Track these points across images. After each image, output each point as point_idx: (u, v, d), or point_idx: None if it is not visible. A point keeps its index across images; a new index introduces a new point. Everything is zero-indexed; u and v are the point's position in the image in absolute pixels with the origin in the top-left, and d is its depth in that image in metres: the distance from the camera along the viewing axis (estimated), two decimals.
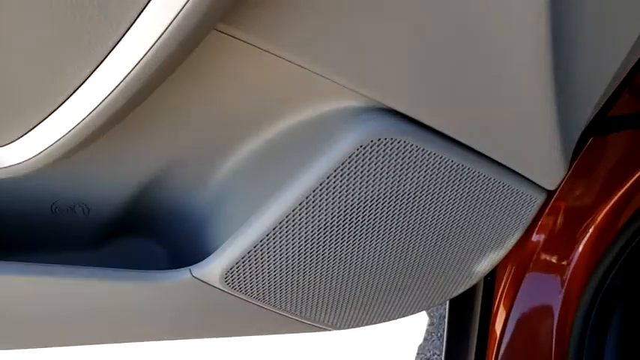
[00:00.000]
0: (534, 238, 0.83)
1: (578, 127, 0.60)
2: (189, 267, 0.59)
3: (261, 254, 0.57)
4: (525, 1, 0.46)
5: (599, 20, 0.54)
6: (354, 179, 0.55)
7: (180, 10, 0.38)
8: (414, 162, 0.56)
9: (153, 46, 0.39)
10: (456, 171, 0.58)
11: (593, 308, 0.86)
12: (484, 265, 0.72)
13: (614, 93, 0.72)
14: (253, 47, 0.48)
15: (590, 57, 0.56)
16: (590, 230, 0.84)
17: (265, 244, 0.57)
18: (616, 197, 0.79)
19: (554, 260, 0.87)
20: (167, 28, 0.38)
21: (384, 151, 0.54)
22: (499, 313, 0.87)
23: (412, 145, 0.55)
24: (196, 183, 0.63)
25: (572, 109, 0.58)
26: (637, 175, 0.77)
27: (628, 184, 0.78)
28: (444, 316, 1.02)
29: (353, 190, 0.55)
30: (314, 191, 0.54)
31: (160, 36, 0.39)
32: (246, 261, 0.58)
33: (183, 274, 0.59)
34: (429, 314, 1.69)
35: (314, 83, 0.52)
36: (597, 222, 0.82)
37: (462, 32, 0.48)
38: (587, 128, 0.72)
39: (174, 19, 0.38)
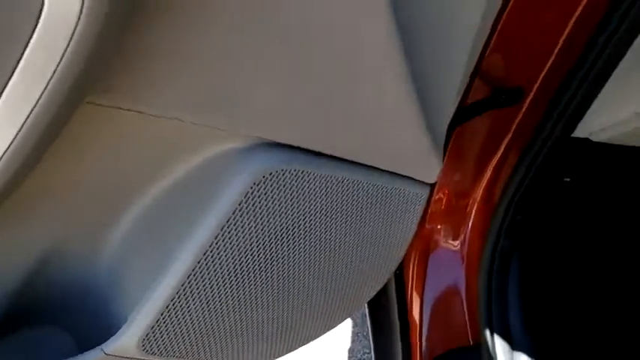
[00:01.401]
0: (428, 226, 0.89)
1: (444, 120, 0.65)
2: (101, 346, 0.56)
3: (174, 314, 0.56)
4: (370, 24, 0.50)
5: (441, 13, 0.58)
6: (254, 218, 0.55)
7: (41, 96, 0.35)
8: (306, 187, 0.57)
9: (17, 134, 0.37)
10: (346, 186, 0.60)
11: (492, 271, 0.94)
12: (391, 263, 0.75)
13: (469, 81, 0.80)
14: (125, 111, 0.46)
15: (442, 52, 0.61)
16: (475, 206, 0.92)
17: (176, 304, 0.55)
18: (488, 173, 0.87)
19: (450, 241, 0.94)
20: (30, 114, 0.36)
21: (276, 183, 0.55)
22: (414, 301, 0.92)
23: (300, 171, 0.56)
24: (89, 257, 0.59)
25: (434, 104, 0.63)
26: (501, 151, 0.85)
27: (495, 160, 0.86)
28: (366, 314, 1.05)
29: (255, 229, 0.56)
30: (215, 240, 0.54)
31: (23, 124, 0.36)
32: (161, 324, 0.56)
33: (95, 355, 0.56)
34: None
35: (192, 132, 0.51)
36: (478, 198, 0.89)
37: (319, 57, 0.50)
38: (452, 118, 0.79)
39: (35, 105, 0.36)
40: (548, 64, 0.77)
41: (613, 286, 1.12)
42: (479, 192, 0.90)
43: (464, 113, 0.82)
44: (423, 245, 0.92)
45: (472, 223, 0.92)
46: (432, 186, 0.73)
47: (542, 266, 1.05)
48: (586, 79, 0.71)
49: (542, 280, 1.10)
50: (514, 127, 0.85)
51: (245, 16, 0.43)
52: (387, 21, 0.49)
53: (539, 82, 0.80)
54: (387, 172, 0.63)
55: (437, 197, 0.88)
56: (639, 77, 0.73)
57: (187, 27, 0.42)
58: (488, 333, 0.92)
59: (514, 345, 0.92)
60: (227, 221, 0.53)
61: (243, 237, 0.55)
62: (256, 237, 0.56)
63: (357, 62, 0.51)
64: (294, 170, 0.56)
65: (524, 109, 0.82)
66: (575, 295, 1.08)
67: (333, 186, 0.59)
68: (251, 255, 0.57)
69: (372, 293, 0.79)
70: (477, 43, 0.65)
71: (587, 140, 0.82)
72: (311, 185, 0.58)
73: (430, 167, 0.67)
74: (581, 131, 0.81)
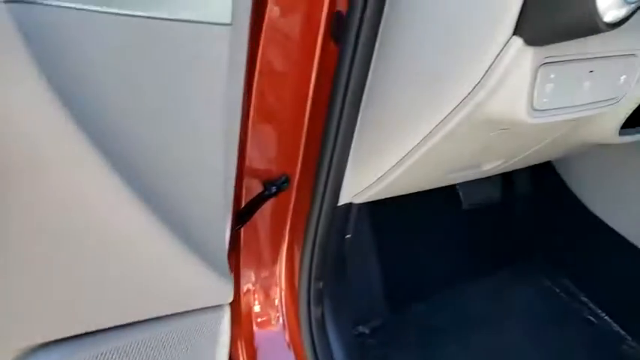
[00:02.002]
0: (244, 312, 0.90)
1: (221, 241, 0.67)
2: None
3: None
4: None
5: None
6: None
7: None
8: None
9: None
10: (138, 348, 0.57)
11: (315, 345, 0.98)
12: None
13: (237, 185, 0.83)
14: None
15: (199, 185, 0.63)
16: (283, 293, 0.96)
17: None
18: (283, 260, 0.92)
19: (272, 328, 0.95)
20: None
21: None
22: None
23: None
24: None
25: (206, 232, 0.64)
26: (287, 235, 0.91)
27: (285, 245, 0.92)
28: None
29: None
30: None
31: None
32: None
33: None
34: None
35: None
36: (283, 286, 0.93)
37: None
38: (233, 223, 0.81)
39: None
40: (301, 149, 0.86)
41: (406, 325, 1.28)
42: (281, 279, 0.94)
43: (242, 216, 0.85)
44: (247, 337, 0.92)
45: (285, 308, 0.95)
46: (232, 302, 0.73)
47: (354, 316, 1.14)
48: (332, 157, 0.80)
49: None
50: (291, 209, 0.91)
51: None
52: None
53: (299, 165, 0.87)
54: (180, 313, 0.62)
55: (246, 298, 0.89)
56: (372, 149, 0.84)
57: None
58: None
59: None
60: None
61: None
62: None
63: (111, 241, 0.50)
64: None
65: (294, 192, 0.89)
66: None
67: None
68: None
69: None
70: (230, 148, 0.67)
71: (350, 204, 0.93)
72: None
73: (224, 289, 0.68)
74: (347, 197, 0.90)
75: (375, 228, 1.26)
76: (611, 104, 0.69)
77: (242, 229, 0.87)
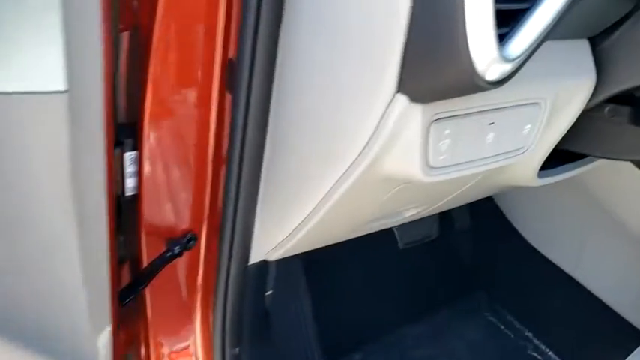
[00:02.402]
0: None
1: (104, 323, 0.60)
2: None
3: None
4: None
5: None
6: None
7: None
8: None
9: None
10: None
11: None
12: None
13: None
14: None
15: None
16: None
17: None
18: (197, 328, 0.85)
19: None
20: None
21: None
22: None
23: None
24: None
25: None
26: (199, 300, 0.84)
27: (198, 313, 0.85)
28: None
29: None
30: None
31: None
32: None
33: None
34: None
35: None
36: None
37: None
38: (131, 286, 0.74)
39: None
40: (206, 206, 0.79)
41: None
42: (197, 348, 0.87)
43: (142, 278, 0.78)
44: None
45: None
46: None
47: None
48: (236, 214, 0.74)
49: None
50: (201, 271, 0.84)
51: None
52: None
53: (205, 223, 0.81)
54: None
55: None
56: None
57: None
58: None
59: None
60: None
61: None
62: None
63: None
64: None
65: (203, 252, 0.83)
66: None
67: None
68: None
69: None
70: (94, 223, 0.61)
71: (265, 261, 0.87)
72: None
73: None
74: (260, 254, 0.84)
75: (304, 276, 1.20)
76: (518, 155, 0.66)
77: (149, 295, 0.80)
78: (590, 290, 1.29)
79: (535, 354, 1.35)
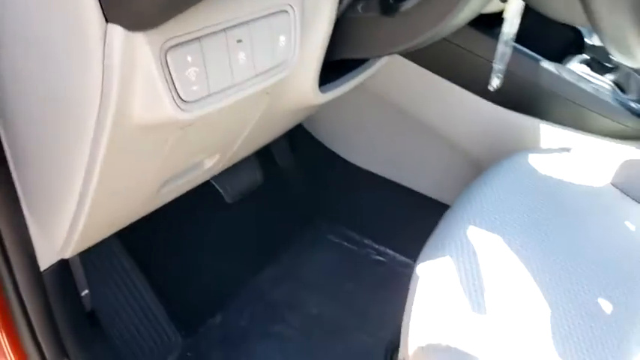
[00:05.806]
0: None
1: None
2: None
3: None
4: None
5: None
6: None
7: None
8: None
9: None
10: None
11: None
12: None
13: None
14: None
15: None
16: None
17: None
18: None
19: None
20: None
21: None
22: None
23: None
24: None
25: None
26: None
27: None
28: None
29: None
30: None
31: None
32: None
33: None
34: None
35: None
36: None
37: None
38: None
39: None
40: None
41: None
42: None
43: None
44: None
45: None
46: None
47: None
48: None
49: None
50: None
51: None
52: None
53: None
54: None
55: None
56: None
57: None
58: None
59: None
60: None
61: None
62: None
63: None
64: None
65: None
66: None
67: None
68: None
69: None
70: None
71: (66, 261, 0.77)
72: None
73: None
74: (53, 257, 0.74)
75: (132, 259, 1.10)
76: (281, 72, 0.63)
77: None
78: (411, 188, 1.38)
79: (378, 257, 1.43)
